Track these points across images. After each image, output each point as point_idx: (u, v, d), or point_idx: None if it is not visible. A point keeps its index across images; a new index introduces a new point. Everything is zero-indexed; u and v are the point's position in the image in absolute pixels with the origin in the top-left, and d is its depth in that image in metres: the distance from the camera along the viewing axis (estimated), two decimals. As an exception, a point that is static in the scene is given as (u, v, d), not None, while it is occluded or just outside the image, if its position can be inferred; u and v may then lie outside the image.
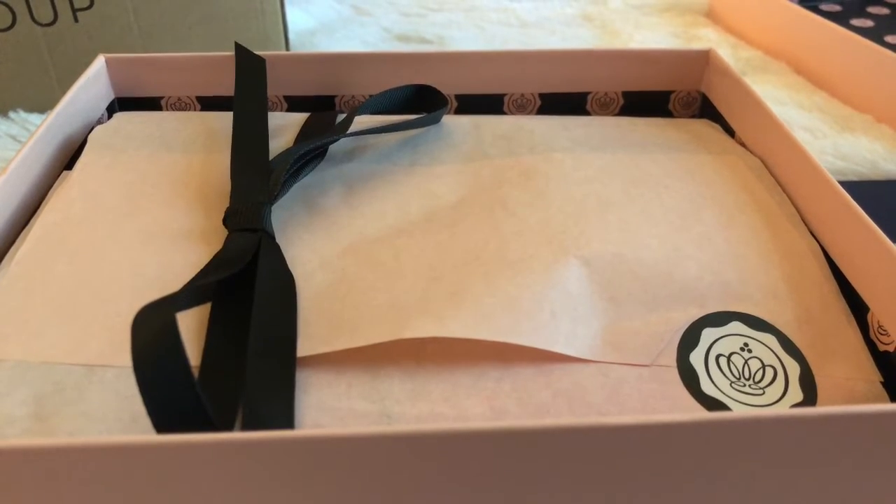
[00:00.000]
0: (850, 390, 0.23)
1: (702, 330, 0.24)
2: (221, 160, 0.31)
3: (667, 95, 0.38)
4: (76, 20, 0.51)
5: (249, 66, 0.34)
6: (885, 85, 0.53)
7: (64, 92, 0.34)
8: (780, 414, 0.17)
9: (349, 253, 0.26)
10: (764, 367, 0.23)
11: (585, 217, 0.28)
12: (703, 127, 0.36)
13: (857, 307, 0.25)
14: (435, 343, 0.23)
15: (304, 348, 0.23)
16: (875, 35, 0.68)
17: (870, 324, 0.24)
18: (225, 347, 0.22)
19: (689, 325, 0.24)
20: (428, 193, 0.30)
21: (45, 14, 0.50)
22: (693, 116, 0.39)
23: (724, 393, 0.22)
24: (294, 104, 0.38)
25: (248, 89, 0.33)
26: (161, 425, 0.18)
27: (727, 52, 0.66)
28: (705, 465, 0.18)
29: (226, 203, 0.28)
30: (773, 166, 0.32)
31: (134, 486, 0.17)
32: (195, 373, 0.21)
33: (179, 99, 0.38)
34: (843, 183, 0.29)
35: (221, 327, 0.23)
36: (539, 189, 0.29)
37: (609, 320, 0.24)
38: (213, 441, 0.17)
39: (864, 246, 0.25)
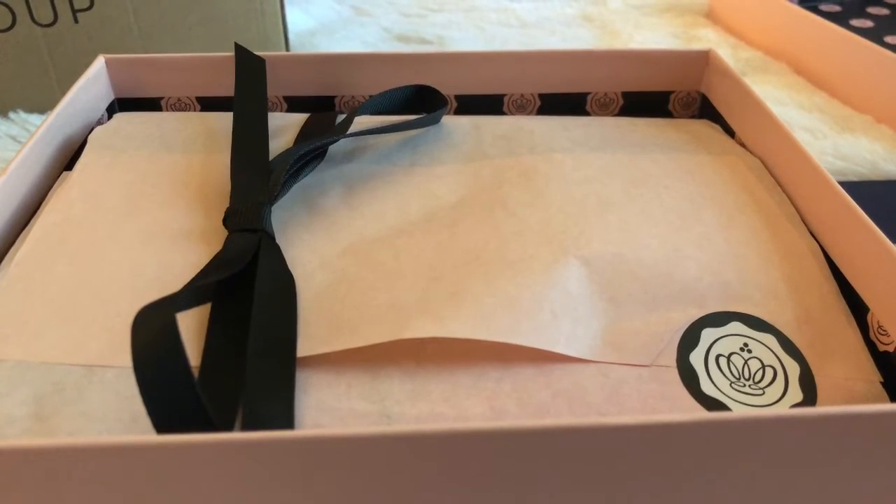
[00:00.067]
0: (849, 390, 0.23)
1: (702, 330, 0.24)
2: (221, 160, 0.31)
3: (667, 96, 0.38)
4: (76, 21, 0.51)
5: (249, 67, 0.34)
6: (884, 85, 0.53)
7: (64, 92, 0.34)
8: (780, 414, 0.17)
9: (349, 253, 0.26)
10: (764, 367, 0.23)
11: (585, 217, 0.28)
12: (703, 127, 0.36)
13: (857, 307, 0.25)
14: (435, 343, 0.23)
15: (304, 348, 0.23)
16: (875, 35, 0.68)
17: (870, 324, 0.24)
18: (225, 348, 0.22)
19: (688, 325, 0.24)
20: (428, 194, 0.30)
21: (45, 15, 0.50)
22: (693, 117, 0.39)
23: (723, 393, 0.22)
24: (294, 105, 0.38)
25: (248, 90, 0.33)
26: (161, 425, 0.18)
27: (727, 52, 0.66)
28: (705, 465, 0.18)
29: (226, 203, 0.29)
30: (773, 167, 0.32)
31: (134, 486, 0.17)
32: (195, 373, 0.21)
33: (179, 99, 0.38)
34: (842, 183, 0.29)
35: (221, 327, 0.23)
36: (539, 189, 0.29)
37: (609, 320, 0.24)
38: (213, 441, 0.17)
39: (864, 246, 0.25)
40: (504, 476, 0.18)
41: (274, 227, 0.27)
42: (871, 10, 0.76)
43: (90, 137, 0.33)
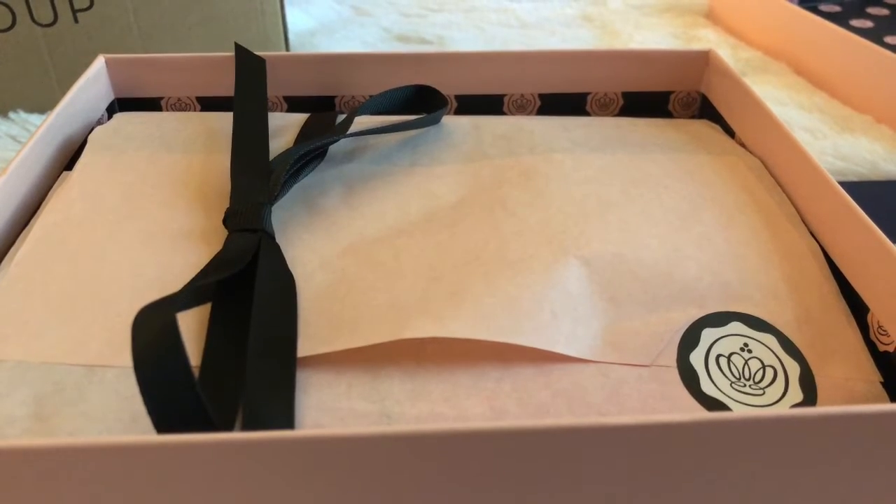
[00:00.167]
0: (849, 390, 0.23)
1: (702, 330, 0.24)
2: (221, 161, 0.31)
3: (666, 96, 0.39)
4: (76, 21, 0.51)
5: (249, 67, 0.34)
6: (884, 85, 0.53)
7: (64, 92, 0.34)
8: (780, 414, 0.17)
9: (349, 253, 0.26)
10: (764, 367, 0.23)
11: (585, 217, 0.28)
12: (703, 127, 0.36)
13: (857, 307, 0.25)
14: (435, 343, 0.23)
15: (304, 348, 0.23)
16: (875, 36, 0.68)
17: (870, 324, 0.24)
18: (225, 348, 0.22)
19: (689, 325, 0.24)
20: (428, 194, 0.30)
21: (45, 15, 0.50)
22: (693, 117, 0.39)
23: (724, 393, 0.22)
24: (294, 105, 0.38)
25: (248, 90, 0.33)
26: (161, 425, 0.18)
27: (727, 52, 0.66)
28: (705, 465, 0.18)
29: (226, 203, 0.29)
30: (773, 167, 0.32)
31: (134, 486, 0.17)
32: (195, 373, 0.21)
33: (179, 99, 0.38)
34: (842, 183, 0.29)
35: (221, 327, 0.23)
36: (539, 189, 0.29)
37: (609, 320, 0.24)
38: (213, 441, 0.17)
39: (864, 246, 0.25)
40: (504, 476, 0.18)
41: (274, 227, 0.27)
42: (871, 10, 0.76)
43: (90, 137, 0.33)
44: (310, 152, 0.30)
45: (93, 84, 0.35)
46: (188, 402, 0.18)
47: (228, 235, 0.26)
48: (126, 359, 0.22)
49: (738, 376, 0.23)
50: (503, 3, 0.80)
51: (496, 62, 0.37)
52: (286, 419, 0.21)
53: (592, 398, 0.22)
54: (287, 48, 0.59)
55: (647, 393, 0.22)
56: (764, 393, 0.22)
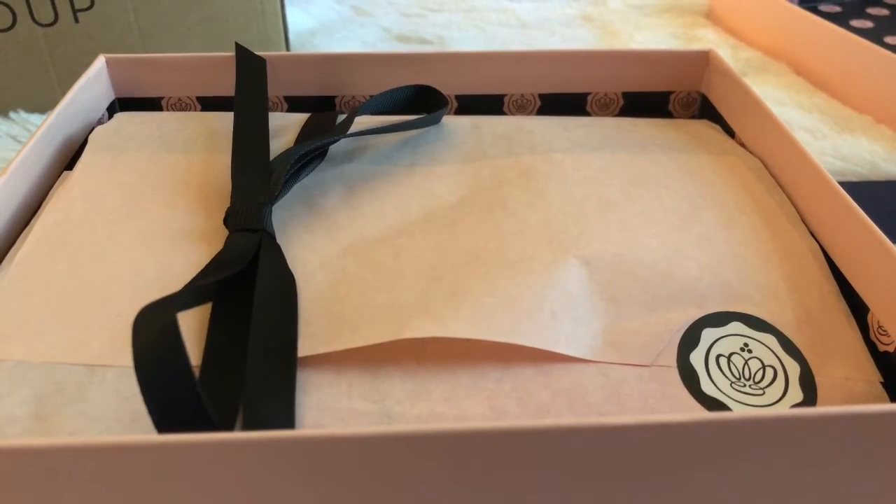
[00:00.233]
0: (849, 391, 0.23)
1: (702, 330, 0.24)
2: (222, 160, 0.31)
3: (667, 96, 0.39)
4: (76, 20, 0.51)
5: (250, 67, 0.34)
6: (884, 86, 0.53)
7: (64, 92, 0.34)
8: (780, 414, 0.17)
9: (349, 253, 0.27)
10: (764, 367, 0.23)
11: (585, 217, 0.28)
12: (703, 127, 0.36)
13: (857, 308, 0.25)
14: (435, 343, 0.23)
15: (304, 348, 0.23)
16: (875, 36, 0.68)
17: (870, 324, 0.24)
18: (225, 347, 0.22)
19: (689, 325, 0.24)
20: (428, 194, 0.30)
21: (45, 14, 0.50)
22: (693, 117, 0.39)
23: (724, 393, 0.22)
24: (294, 105, 0.38)
25: (248, 90, 0.33)
26: (162, 425, 0.18)
27: (727, 52, 0.66)
28: (705, 465, 0.18)
29: (226, 203, 0.29)
30: (773, 167, 0.32)
31: (134, 486, 0.17)
32: (196, 373, 0.21)
33: (180, 99, 0.38)
34: (842, 184, 0.29)
35: (222, 327, 0.23)
36: (539, 189, 0.29)
37: (609, 320, 0.24)
38: (213, 441, 0.17)
39: (864, 246, 0.25)
40: (504, 476, 0.18)
41: (274, 226, 0.27)
42: (871, 10, 0.76)
43: (90, 137, 0.33)
44: (310, 152, 0.30)
45: (93, 84, 0.35)
46: (188, 402, 0.18)
47: (229, 235, 0.26)
48: (126, 359, 0.22)
49: (738, 376, 0.23)
50: (503, 3, 0.80)
51: (496, 62, 0.37)
52: (286, 419, 0.21)
53: (592, 398, 0.22)
54: (287, 48, 0.59)
55: (648, 393, 0.22)
56: (764, 393, 0.22)
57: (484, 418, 0.21)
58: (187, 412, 0.18)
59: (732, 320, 0.24)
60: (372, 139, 0.33)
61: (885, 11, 0.75)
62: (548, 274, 0.25)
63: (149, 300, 0.23)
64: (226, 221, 0.27)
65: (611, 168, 0.31)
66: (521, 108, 0.39)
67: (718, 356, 0.23)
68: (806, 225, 0.29)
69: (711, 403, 0.22)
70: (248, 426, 0.20)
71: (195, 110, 0.38)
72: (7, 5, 0.49)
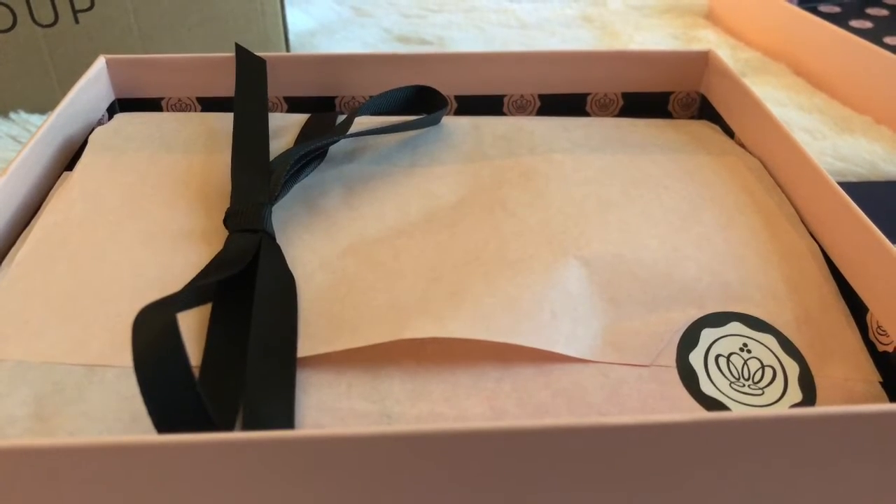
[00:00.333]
0: (849, 391, 0.23)
1: (701, 330, 0.24)
2: (222, 161, 0.31)
3: (666, 96, 0.39)
4: (77, 21, 0.51)
5: (250, 67, 0.34)
6: (884, 86, 0.53)
7: (64, 93, 0.34)
8: (780, 414, 0.17)
9: (349, 253, 0.27)
10: (763, 367, 0.23)
11: (585, 218, 0.28)
12: (703, 128, 0.36)
13: (857, 308, 0.25)
14: (435, 343, 0.23)
15: (304, 348, 0.23)
16: (874, 36, 0.68)
17: (869, 324, 0.24)
18: (225, 347, 0.22)
19: (688, 325, 0.24)
20: (428, 194, 0.30)
21: (45, 15, 0.50)
22: (692, 117, 0.39)
23: (723, 393, 0.22)
24: (294, 105, 0.38)
25: (248, 90, 0.33)
26: (161, 425, 0.18)
27: (726, 53, 0.66)
28: (705, 465, 0.18)
29: (226, 204, 0.29)
30: (773, 167, 0.32)
31: (134, 486, 0.17)
32: (196, 373, 0.21)
33: (180, 100, 0.38)
34: (842, 184, 0.29)
35: (222, 327, 0.23)
36: (539, 190, 0.30)
37: (609, 321, 0.24)
38: (213, 441, 0.17)
39: (864, 247, 0.25)
40: (504, 476, 0.18)
41: (274, 227, 0.27)
42: (871, 10, 0.76)
43: (91, 138, 0.33)
44: (310, 153, 0.30)
45: (93, 84, 0.35)
46: (188, 402, 0.18)
47: (229, 236, 0.26)
48: (126, 359, 0.22)
49: (737, 376, 0.23)
50: (503, 3, 0.80)
51: (496, 62, 0.37)
52: (286, 419, 0.21)
53: (592, 398, 0.22)
54: (287, 49, 0.59)
55: (647, 393, 0.22)
56: (763, 393, 0.22)
57: (484, 418, 0.21)
58: (187, 412, 0.18)
59: (732, 320, 0.24)
60: (372, 139, 0.33)
61: (884, 12, 0.75)
62: (548, 274, 0.25)
63: (149, 300, 0.23)
64: (226, 222, 0.27)
65: (611, 168, 0.31)
66: (521, 109, 0.39)
67: (718, 356, 0.23)
68: (805, 225, 0.29)
69: (711, 403, 0.22)
70: (248, 426, 0.20)
71: (195, 111, 0.38)
72: (7, 6, 0.49)
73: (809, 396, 0.22)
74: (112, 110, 0.38)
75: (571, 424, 0.17)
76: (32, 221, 0.28)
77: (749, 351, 0.24)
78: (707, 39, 0.69)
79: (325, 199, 0.29)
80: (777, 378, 0.23)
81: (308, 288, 0.25)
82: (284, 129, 0.34)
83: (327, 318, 0.24)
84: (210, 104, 0.38)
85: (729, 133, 0.35)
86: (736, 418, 0.17)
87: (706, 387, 0.22)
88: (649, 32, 0.71)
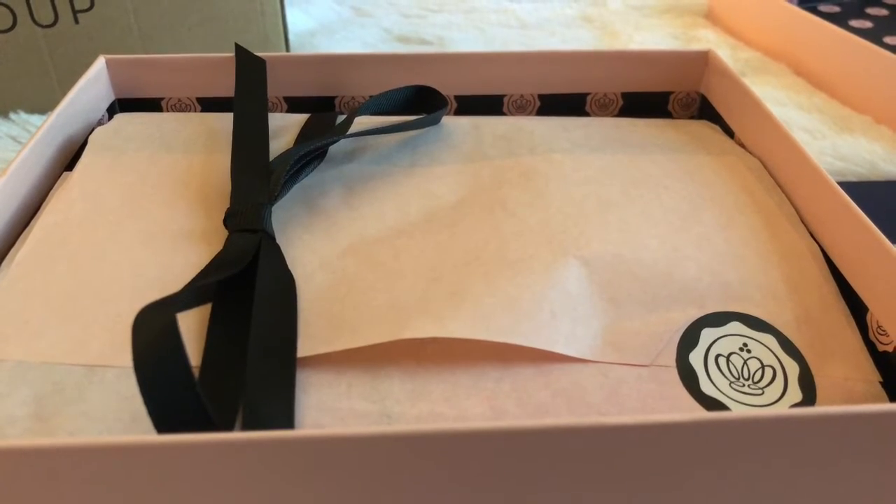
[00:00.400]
0: (849, 390, 0.23)
1: (701, 330, 0.24)
2: (222, 161, 0.31)
3: (666, 96, 0.39)
4: (76, 21, 0.51)
5: (249, 68, 0.34)
6: (884, 86, 0.53)
7: (64, 93, 0.34)
8: (780, 414, 0.17)
9: (349, 253, 0.27)
10: (763, 367, 0.23)
11: (585, 218, 0.28)
12: (703, 128, 0.36)
13: (857, 308, 0.25)
14: (435, 343, 0.23)
15: (304, 348, 0.23)
16: (874, 36, 0.68)
17: (869, 324, 0.24)
18: (225, 348, 0.22)
19: (688, 325, 0.24)
20: (428, 194, 0.30)
21: (45, 15, 0.50)
22: (692, 117, 0.39)
23: (723, 393, 0.22)
24: (294, 105, 0.38)
25: (248, 90, 0.33)
26: (161, 425, 0.18)
27: (726, 53, 0.66)
28: (704, 464, 0.18)
29: (226, 204, 0.29)
30: (773, 167, 0.32)
31: (134, 486, 0.17)
32: (195, 373, 0.21)
33: (180, 100, 0.38)
34: (842, 184, 0.29)
35: (222, 328, 0.23)
36: (539, 190, 0.30)
37: (609, 320, 0.24)
38: (213, 441, 0.17)
39: (864, 247, 0.25)
40: (504, 476, 0.18)
41: (274, 227, 0.27)
42: (871, 10, 0.76)
43: (90, 138, 0.33)
44: (310, 153, 0.30)
45: (93, 85, 0.35)
46: (188, 402, 0.18)
47: (229, 236, 0.26)
48: (126, 359, 0.22)
49: (737, 376, 0.23)
50: (503, 3, 0.80)
51: (496, 62, 0.37)
52: (286, 419, 0.21)
53: (592, 398, 0.22)
54: (287, 49, 0.59)
55: (647, 393, 0.22)
56: (763, 393, 0.22)
57: (484, 418, 0.21)
58: (187, 412, 0.18)
59: (732, 320, 0.24)
60: (372, 139, 0.33)
61: (884, 11, 0.75)
62: (547, 274, 0.25)
63: (149, 300, 0.23)
64: (225, 222, 0.27)
65: (610, 168, 0.31)
66: (521, 109, 0.39)
67: (718, 356, 0.23)
68: (805, 225, 0.29)
69: (710, 403, 0.22)
70: (247, 426, 0.20)
71: (195, 111, 0.38)
72: (7, 6, 0.49)
73: (809, 396, 0.22)
74: (112, 110, 0.38)
75: (571, 424, 0.17)
76: (32, 221, 0.28)
77: (749, 351, 0.24)
78: (707, 39, 0.69)
79: (325, 199, 0.29)
80: (777, 378, 0.23)
81: (308, 288, 0.25)
82: (284, 129, 0.34)
83: (327, 318, 0.24)
84: (210, 104, 0.38)
85: (729, 133, 0.35)
86: (736, 418, 0.17)
87: (706, 387, 0.22)
88: (649, 32, 0.71)
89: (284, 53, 0.37)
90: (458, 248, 0.26)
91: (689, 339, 0.24)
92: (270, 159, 0.30)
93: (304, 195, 0.30)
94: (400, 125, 0.32)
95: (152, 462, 0.17)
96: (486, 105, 0.38)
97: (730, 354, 0.23)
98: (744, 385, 0.23)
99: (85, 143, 0.33)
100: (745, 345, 0.24)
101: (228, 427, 0.20)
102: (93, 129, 0.34)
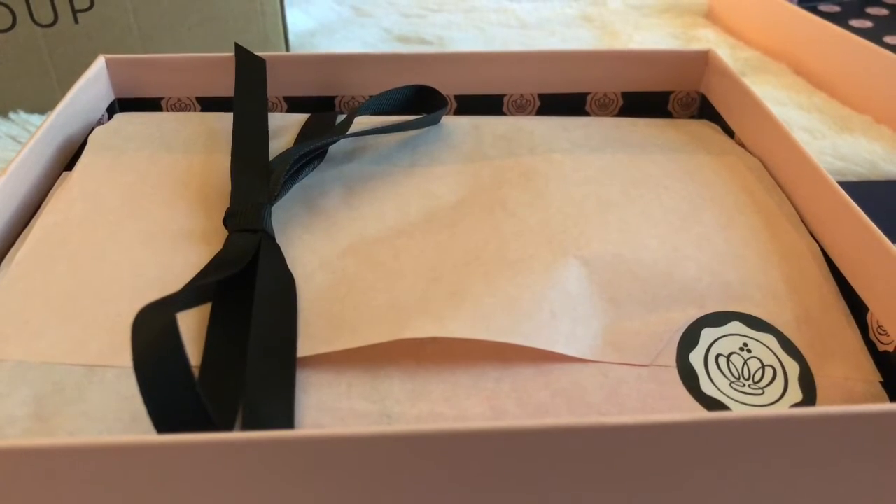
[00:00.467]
0: (849, 390, 0.23)
1: (701, 330, 0.24)
2: (222, 161, 0.31)
3: (666, 96, 0.39)
4: (76, 21, 0.51)
5: (249, 67, 0.34)
6: (884, 86, 0.53)
7: (64, 93, 0.34)
8: (780, 414, 0.17)
9: (349, 253, 0.27)
10: (763, 367, 0.23)
11: (585, 217, 0.28)
12: (703, 127, 0.36)
13: (857, 307, 0.25)
14: (435, 343, 0.23)
15: (304, 348, 0.23)
16: (874, 36, 0.68)
17: (869, 324, 0.24)
18: (225, 347, 0.22)
19: (688, 325, 0.24)
20: (428, 194, 0.30)
21: (45, 15, 0.50)
22: (692, 117, 0.39)
23: (723, 393, 0.22)
24: (294, 105, 0.38)
25: (248, 90, 0.33)
26: (161, 425, 0.18)
27: (726, 52, 0.66)
28: (705, 464, 0.18)
29: (226, 204, 0.29)
30: (773, 167, 0.32)
31: (134, 486, 0.17)
32: (195, 373, 0.21)
33: (179, 100, 0.38)
34: (842, 183, 0.29)
35: (222, 327, 0.23)
36: (539, 189, 0.29)
37: (609, 320, 0.24)
38: (213, 441, 0.17)
39: (864, 246, 0.25)
40: (504, 476, 0.18)
41: (274, 227, 0.27)
42: (871, 10, 0.76)
43: (90, 138, 0.33)
44: (310, 152, 0.30)
45: (93, 84, 0.35)
46: (188, 402, 0.18)
47: (228, 236, 0.26)
48: (126, 359, 0.22)
49: (737, 376, 0.23)
50: (503, 3, 0.80)
51: (496, 62, 0.37)
52: (286, 419, 0.21)
53: (592, 398, 0.22)
54: (287, 48, 0.59)
55: (647, 393, 0.22)
56: (763, 393, 0.22)
57: (484, 418, 0.21)
58: (187, 412, 0.18)
59: (732, 320, 0.24)
60: (372, 139, 0.33)
61: (884, 11, 0.75)
62: (547, 274, 0.25)
63: (149, 300, 0.23)
64: (225, 222, 0.27)
65: (610, 168, 0.31)
66: (521, 109, 0.39)
67: (718, 356, 0.23)
68: (805, 225, 0.29)
69: (711, 403, 0.22)
70: (247, 426, 0.20)
71: (195, 111, 0.38)
72: (7, 6, 0.49)
73: (809, 396, 0.22)
74: (112, 110, 0.38)
75: (571, 424, 0.17)
76: (32, 221, 0.28)
77: (749, 350, 0.24)
78: (707, 39, 0.69)
79: (325, 199, 0.29)
80: (777, 378, 0.23)
81: (308, 288, 0.25)
82: (284, 128, 0.34)
83: (327, 318, 0.24)
84: (210, 104, 0.38)
85: (729, 133, 0.35)
86: (736, 418, 0.17)
87: (706, 386, 0.22)
88: (649, 32, 0.71)
89: (284, 53, 0.37)
90: (458, 248, 0.26)
91: (689, 338, 0.24)
92: (270, 159, 0.30)
93: (304, 195, 0.30)
94: (400, 125, 0.32)
95: (152, 462, 0.17)
96: (486, 105, 0.38)
97: (730, 354, 0.23)
98: (744, 385, 0.23)
99: (85, 143, 0.33)
100: (745, 345, 0.24)
101: (228, 427, 0.20)
102: (92, 129, 0.34)
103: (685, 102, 0.39)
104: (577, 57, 0.37)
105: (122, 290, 0.25)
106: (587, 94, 0.38)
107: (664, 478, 0.18)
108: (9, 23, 0.49)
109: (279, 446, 0.17)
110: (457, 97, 0.38)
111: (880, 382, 0.23)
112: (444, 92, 0.38)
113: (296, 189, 0.30)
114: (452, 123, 0.35)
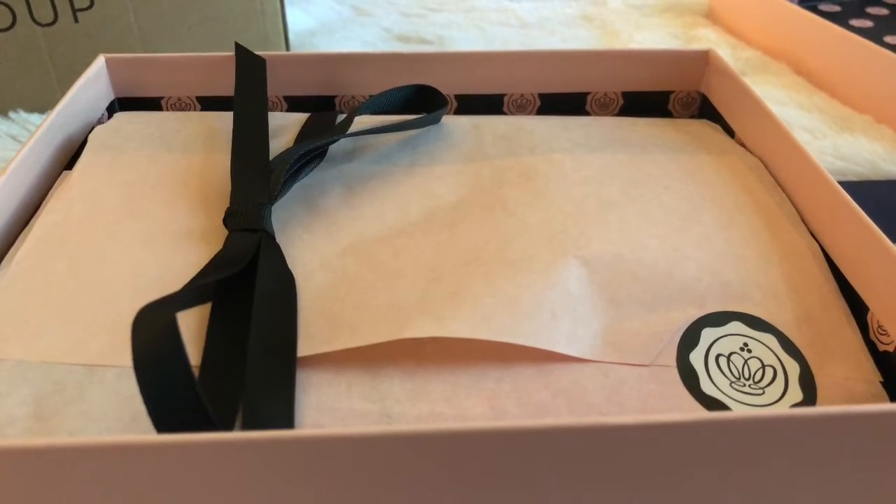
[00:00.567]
0: (849, 390, 0.23)
1: (701, 330, 0.24)
2: (221, 160, 0.31)
3: (666, 96, 0.39)
4: (76, 20, 0.51)
5: (249, 67, 0.34)
6: (884, 85, 0.53)
7: (64, 92, 0.34)
8: (780, 414, 0.17)
9: (349, 253, 0.27)
10: (764, 366, 0.23)
11: (585, 217, 0.28)
12: (703, 127, 0.36)
13: (857, 307, 0.25)
14: (435, 343, 0.23)
15: (304, 348, 0.23)
16: (874, 35, 0.68)
17: (869, 324, 0.24)
18: (225, 347, 0.22)
19: (688, 325, 0.24)
20: (428, 194, 0.30)
21: (45, 14, 0.50)
22: (693, 117, 0.39)
23: (723, 393, 0.22)
24: (294, 104, 0.38)
25: (248, 90, 0.33)
26: (161, 425, 0.18)
27: (727, 52, 0.66)
28: (705, 464, 0.18)
29: (226, 203, 0.29)
30: (773, 167, 0.32)
31: (134, 486, 0.17)
32: (195, 373, 0.21)
33: (179, 99, 0.38)
34: (842, 183, 0.29)
35: (221, 327, 0.23)
36: (539, 189, 0.29)
37: (609, 320, 0.24)
38: (213, 441, 0.17)
39: (864, 246, 0.25)
40: (504, 476, 0.18)
41: (274, 226, 0.27)
42: (871, 10, 0.76)
43: (90, 137, 0.33)
44: (310, 152, 0.30)
45: (93, 84, 0.35)
46: (188, 402, 0.18)
47: (228, 235, 0.26)
48: (126, 359, 0.22)
49: (737, 376, 0.23)
50: (503, 3, 0.80)
51: (496, 62, 0.37)
52: (286, 419, 0.21)
53: (592, 398, 0.22)
54: (287, 48, 0.59)
55: (647, 392, 0.22)
56: (764, 392, 0.22)
57: (484, 418, 0.21)
58: (187, 412, 0.18)
59: (732, 320, 0.24)
60: (372, 139, 0.33)
61: (884, 11, 0.75)
62: (548, 274, 0.25)
63: (149, 300, 0.23)
64: (225, 221, 0.27)
65: (611, 168, 0.31)
66: (521, 108, 0.39)
67: (718, 356, 0.23)
68: (806, 225, 0.29)
69: (711, 403, 0.22)
70: (247, 426, 0.20)
71: (195, 110, 0.38)
72: (7, 5, 0.49)
73: (810, 396, 0.22)
74: (112, 109, 0.38)
75: (571, 424, 0.17)
76: (32, 221, 0.28)
77: (749, 350, 0.24)
78: (707, 38, 0.69)
79: (325, 198, 0.29)
80: (777, 377, 0.23)
81: (308, 288, 0.25)
82: (284, 128, 0.34)
83: (327, 317, 0.24)
84: (210, 104, 0.38)
85: (729, 132, 0.35)
86: (736, 418, 0.17)
87: (707, 386, 0.22)
88: (649, 31, 0.71)
89: (284, 52, 0.37)
90: (458, 247, 0.26)
91: (689, 338, 0.24)
92: (270, 159, 0.30)
93: (304, 195, 0.30)
94: (400, 124, 0.32)
95: (152, 462, 0.17)
96: (486, 104, 0.38)
97: (730, 354, 0.23)
98: (744, 385, 0.23)
99: (84, 143, 0.33)
100: (745, 344, 0.24)
101: (228, 427, 0.20)
102: (92, 128, 0.34)
103: (685, 102, 0.39)
104: (578, 56, 0.37)
105: (122, 290, 0.25)
106: (587, 93, 0.38)
107: (664, 478, 0.18)
108: (9, 22, 0.49)
109: (279, 446, 0.17)
110: (457, 97, 0.38)
111: (880, 382, 0.23)
112: (444, 91, 0.38)
113: (296, 189, 0.30)
114: (452, 123, 0.35)
